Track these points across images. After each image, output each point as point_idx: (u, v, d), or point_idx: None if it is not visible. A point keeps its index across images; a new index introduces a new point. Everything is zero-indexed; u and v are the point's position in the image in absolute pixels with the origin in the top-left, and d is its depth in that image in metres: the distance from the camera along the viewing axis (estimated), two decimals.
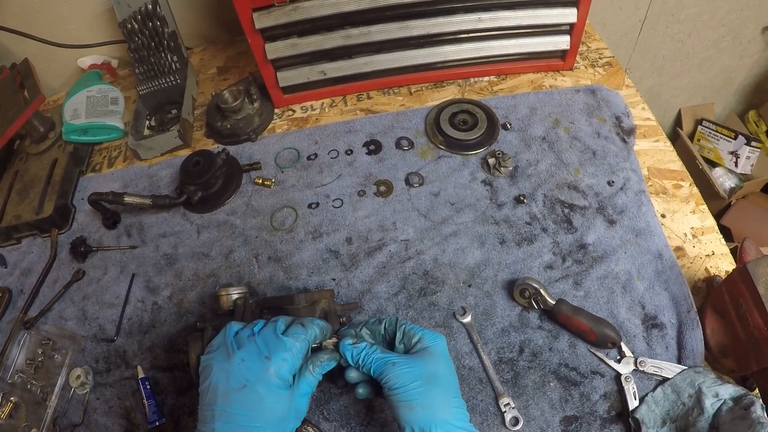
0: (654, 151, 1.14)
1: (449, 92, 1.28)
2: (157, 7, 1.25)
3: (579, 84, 1.26)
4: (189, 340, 0.79)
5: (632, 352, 0.86)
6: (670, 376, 0.82)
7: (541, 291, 0.89)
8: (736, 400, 0.75)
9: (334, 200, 1.11)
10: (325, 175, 1.15)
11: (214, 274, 1.04)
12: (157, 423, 0.88)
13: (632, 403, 0.81)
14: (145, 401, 0.90)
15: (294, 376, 0.68)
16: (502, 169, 1.10)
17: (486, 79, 1.30)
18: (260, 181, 1.15)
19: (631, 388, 0.82)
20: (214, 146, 1.26)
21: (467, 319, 0.93)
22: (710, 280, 0.95)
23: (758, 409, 0.71)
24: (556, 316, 0.89)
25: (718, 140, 2.41)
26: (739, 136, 2.34)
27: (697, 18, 1.99)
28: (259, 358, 0.65)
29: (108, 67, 1.48)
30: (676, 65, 2.22)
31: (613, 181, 1.07)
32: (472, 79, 1.30)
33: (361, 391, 0.73)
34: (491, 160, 1.11)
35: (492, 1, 1.14)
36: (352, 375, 0.72)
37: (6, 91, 1.21)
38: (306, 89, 1.29)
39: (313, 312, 0.82)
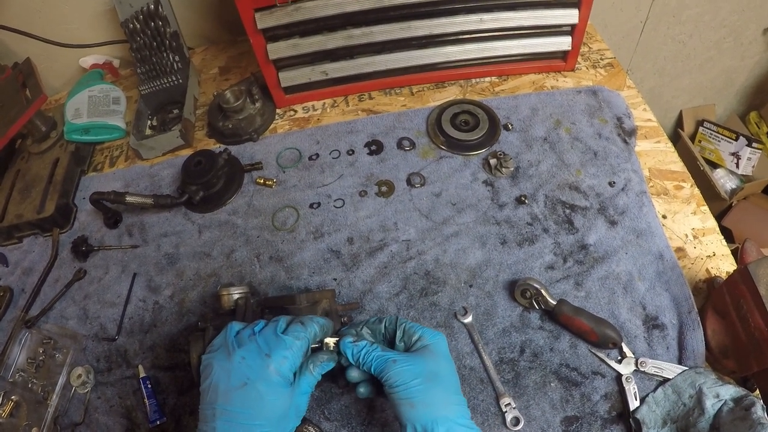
0: (655, 152, 1.14)
1: (451, 93, 1.28)
2: (159, 7, 1.25)
3: (580, 85, 1.26)
4: (190, 339, 0.79)
5: (633, 353, 0.86)
6: (670, 377, 0.82)
7: (542, 291, 0.89)
8: (737, 400, 0.75)
9: (335, 200, 1.11)
10: (327, 175, 1.15)
11: (215, 274, 1.04)
12: (158, 422, 0.88)
13: (633, 404, 0.81)
14: (146, 400, 0.90)
15: (294, 375, 0.69)
16: (503, 169, 1.10)
17: (487, 79, 1.30)
18: (262, 181, 1.15)
19: (631, 389, 0.82)
20: (215, 146, 1.26)
21: (468, 320, 0.93)
22: (711, 281, 0.95)
23: (759, 409, 0.71)
24: (557, 316, 0.89)
25: (719, 141, 2.41)
26: (740, 137, 2.34)
27: (698, 19, 1.99)
28: (260, 356, 0.66)
29: (110, 66, 1.48)
30: (677, 66, 2.22)
31: (614, 182, 1.07)
32: (473, 80, 1.30)
33: (362, 390, 0.73)
34: (493, 161, 1.11)
35: (494, 1, 1.15)
36: (354, 374, 0.72)
37: (8, 91, 1.22)
38: (308, 89, 1.29)
39: (314, 312, 0.82)
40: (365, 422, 0.85)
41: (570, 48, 1.23)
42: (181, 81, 1.33)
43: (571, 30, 1.21)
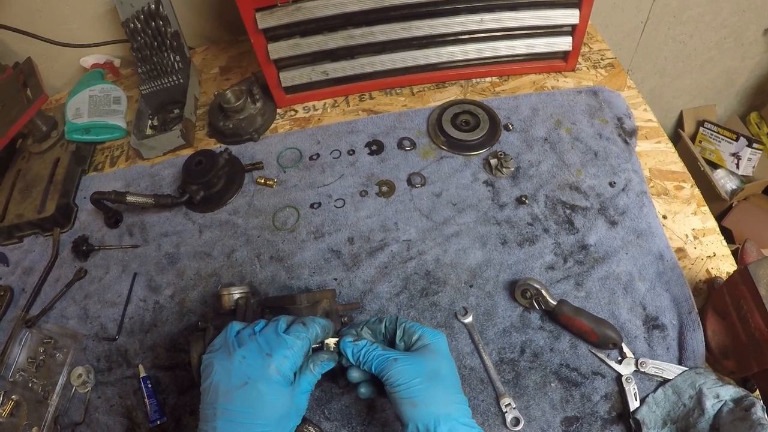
0: (655, 153, 1.14)
1: (451, 93, 1.28)
2: (160, 7, 1.25)
3: (581, 85, 1.26)
4: (191, 339, 0.79)
5: (633, 353, 0.86)
6: (670, 377, 0.82)
7: (543, 292, 0.89)
8: (737, 401, 0.75)
9: (336, 200, 1.11)
10: (327, 175, 1.16)
11: (216, 274, 1.04)
12: (158, 422, 0.88)
13: (633, 404, 0.81)
14: (146, 400, 0.90)
15: (295, 374, 0.69)
16: (503, 169, 1.10)
17: (488, 79, 1.30)
18: (262, 180, 1.15)
19: (631, 389, 0.82)
20: (216, 146, 1.26)
21: (468, 320, 0.93)
22: (711, 282, 0.95)
23: (759, 410, 0.71)
24: (557, 316, 0.89)
25: (719, 142, 2.41)
26: (741, 137, 2.34)
27: (699, 19, 1.99)
28: (261, 355, 0.66)
29: (110, 66, 1.48)
30: (677, 67, 2.22)
31: (614, 182, 1.07)
32: (474, 80, 1.30)
33: (363, 390, 0.73)
34: (493, 161, 1.11)
35: (494, 2, 1.14)
36: (354, 375, 0.72)
37: (9, 90, 1.22)
38: (308, 89, 1.29)
39: (314, 312, 0.82)
40: (365, 422, 0.85)
41: (571, 48, 1.23)
42: (181, 81, 1.33)
43: (572, 30, 1.21)
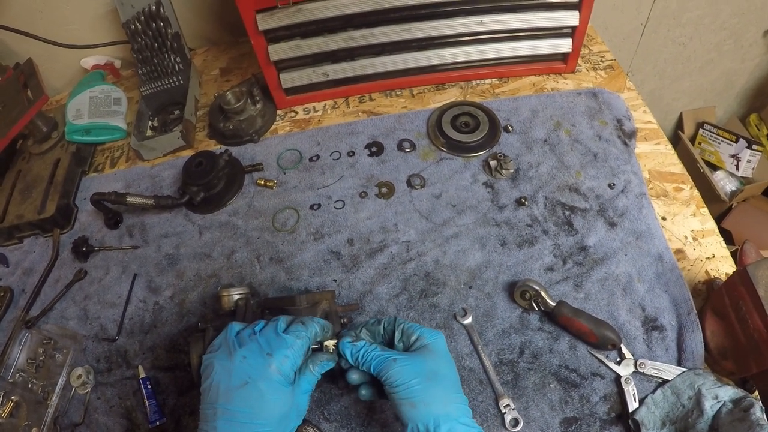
0: (655, 154, 1.14)
1: (451, 94, 1.29)
2: (161, 8, 1.25)
3: (580, 87, 1.27)
4: (190, 340, 0.79)
5: (632, 354, 0.86)
6: (669, 378, 0.82)
7: (542, 293, 0.89)
8: (736, 402, 0.75)
9: (335, 201, 1.11)
10: (327, 176, 1.16)
11: (215, 275, 1.05)
12: (158, 423, 0.88)
13: (632, 405, 0.81)
14: (146, 401, 0.90)
15: (295, 374, 0.69)
16: (503, 171, 1.10)
17: (488, 81, 1.31)
18: (262, 182, 1.16)
19: (630, 390, 0.82)
20: (216, 147, 1.27)
21: (468, 321, 0.93)
22: (710, 283, 0.95)
23: (757, 411, 0.71)
24: (556, 317, 0.89)
25: (719, 143, 2.41)
26: (740, 139, 2.34)
27: (698, 21, 1.99)
28: (261, 355, 0.66)
29: (111, 67, 1.49)
30: (677, 68, 2.22)
31: (614, 184, 1.08)
32: (474, 82, 1.31)
33: (364, 392, 0.73)
34: (493, 163, 1.11)
35: (494, 4, 1.15)
36: (354, 376, 0.72)
37: (9, 91, 1.22)
38: (308, 91, 1.29)
39: (314, 313, 0.82)
40: (365, 423, 0.85)
41: (570, 50, 1.24)
42: (182, 82, 1.33)
43: (572, 32, 1.21)
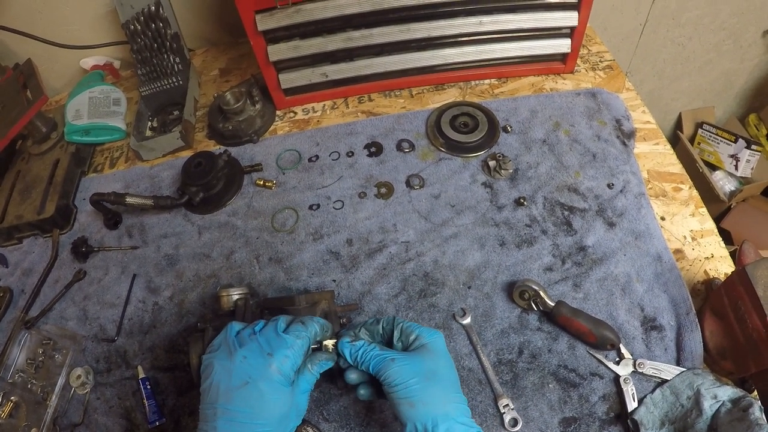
0: (654, 154, 1.15)
1: (450, 95, 1.29)
2: (160, 9, 1.25)
3: (579, 87, 1.27)
4: (190, 340, 0.79)
5: (631, 354, 0.86)
6: (668, 378, 0.83)
7: (541, 293, 0.89)
8: (735, 401, 0.75)
9: (334, 202, 1.11)
10: (326, 176, 1.16)
11: (215, 275, 1.05)
12: (158, 423, 0.88)
13: (631, 405, 0.81)
14: (145, 401, 0.90)
15: (295, 374, 0.69)
16: (502, 171, 1.10)
17: (487, 81, 1.31)
18: (261, 182, 1.16)
19: (629, 390, 0.82)
20: (215, 147, 1.27)
21: (467, 321, 0.93)
22: (709, 283, 0.95)
23: (756, 410, 0.71)
24: (555, 317, 0.89)
25: (718, 143, 2.41)
26: (740, 139, 2.34)
27: (697, 21, 1.99)
28: (261, 355, 0.66)
29: (110, 68, 1.49)
30: (676, 69, 2.22)
31: (612, 184, 1.08)
32: (473, 82, 1.31)
33: (362, 392, 0.73)
34: (492, 163, 1.11)
35: (493, 4, 1.15)
36: (352, 376, 0.72)
37: (9, 92, 1.22)
38: (308, 91, 1.29)
39: (313, 313, 0.82)
40: (364, 423, 0.85)
41: (569, 50, 1.24)
42: (181, 82, 1.33)
43: (571, 32, 1.21)
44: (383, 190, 1.12)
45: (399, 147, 1.18)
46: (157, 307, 1.03)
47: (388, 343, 0.75)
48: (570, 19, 1.17)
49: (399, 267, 1.01)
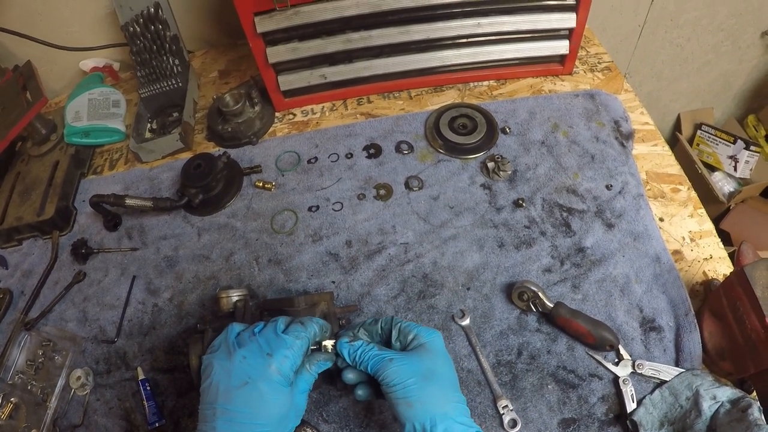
0: (652, 156, 1.15)
1: (449, 96, 1.29)
2: (159, 11, 1.26)
3: (578, 88, 1.27)
4: (189, 341, 0.79)
5: (630, 355, 0.86)
6: (667, 379, 0.83)
7: (540, 294, 0.89)
8: (734, 402, 0.75)
9: (334, 203, 1.11)
10: (326, 178, 1.16)
11: (214, 277, 1.05)
12: (157, 424, 0.88)
13: (630, 406, 0.81)
14: (145, 402, 0.90)
15: (294, 374, 0.69)
16: (501, 173, 1.10)
17: (485, 83, 1.31)
18: (261, 184, 1.16)
19: (628, 391, 0.83)
20: (215, 149, 1.27)
21: (466, 322, 0.93)
22: (708, 284, 0.96)
23: (755, 411, 0.71)
24: (554, 319, 0.89)
25: (717, 145, 2.42)
26: (738, 140, 2.34)
27: (696, 23, 2.00)
28: (261, 355, 0.66)
29: (110, 69, 1.49)
30: (675, 70, 2.22)
31: (611, 185, 1.08)
32: (471, 84, 1.31)
33: (360, 392, 0.73)
34: (490, 164, 1.11)
35: (491, 6, 1.15)
36: (350, 376, 0.72)
37: (9, 93, 1.22)
38: (307, 93, 1.29)
39: (312, 314, 0.82)
40: (363, 424, 0.85)
41: (568, 52, 1.24)
42: (180, 84, 1.33)
43: (569, 34, 1.21)
44: (382, 192, 1.12)
45: (398, 149, 1.18)
46: (156, 308, 1.03)
47: (387, 343, 0.75)
48: (568, 20, 1.17)
49: (398, 268, 1.01)
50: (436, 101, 1.28)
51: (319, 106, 1.32)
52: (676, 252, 1.00)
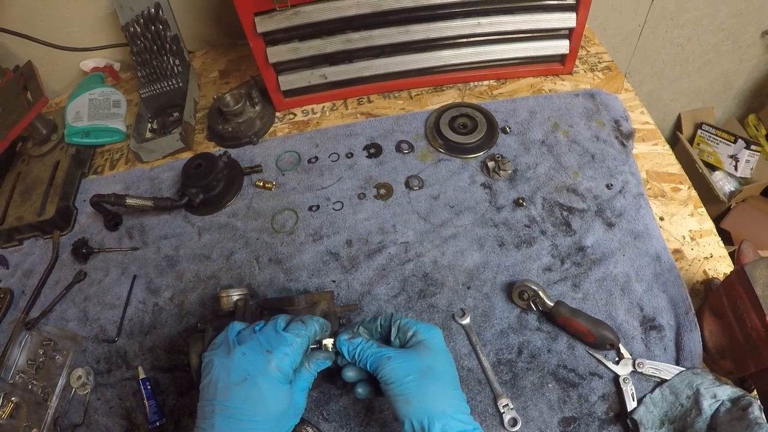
0: (653, 155, 1.15)
1: (449, 96, 1.29)
2: (160, 11, 1.26)
3: (578, 88, 1.27)
4: (189, 341, 0.79)
5: (630, 354, 0.86)
6: (668, 378, 0.83)
7: (540, 293, 0.89)
8: (734, 401, 0.75)
9: (334, 203, 1.12)
10: (326, 178, 1.16)
11: (214, 276, 1.05)
12: (158, 423, 0.89)
13: (630, 405, 0.81)
14: (145, 402, 0.90)
15: (294, 373, 0.69)
16: (501, 172, 1.10)
17: (486, 83, 1.31)
18: (261, 183, 1.16)
19: (629, 390, 0.83)
20: (215, 149, 1.27)
21: (466, 321, 0.93)
22: (708, 283, 0.96)
23: (756, 410, 0.71)
24: (554, 317, 0.89)
25: (717, 144, 2.42)
26: (739, 139, 2.34)
27: (696, 22, 2.00)
28: (261, 352, 0.66)
29: (110, 70, 1.49)
30: (675, 69, 2.22)
31: (611, 185, 1.08)
32: (471, 83, 1.31)
33: (360, 390, 0.73)
34: (491, 164, 1.11)
35: (491, 6, 1.15)
36: (350, 374, 0.72)
37: (9, 94, 1.22)
38: (307, 93, 1.29)
39: (313, 313, 0.82)
40: (363, 423, 0.85)
41: (568, 51, 1.24)
42: (181, 84, 1.33)
43: (569, 33, 1.21)
44: (382, 191, 1.12)
45: (398, 148, 1.18)
46: (157, 307, 1.03)
47: (387, 340, 0.75)
48: (568, 20, 1.17)
49: (398, 268, 1.01)
50: (437, 101, 1.28)
51: (320, 105, 1.32)
52: (677, 251, 1.00)
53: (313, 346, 0.73)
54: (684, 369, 0.83)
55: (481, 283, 0.98)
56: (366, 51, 1.21)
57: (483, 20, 1.16)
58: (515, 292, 0.92)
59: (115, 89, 1.38)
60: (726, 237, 2.23)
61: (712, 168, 2.45)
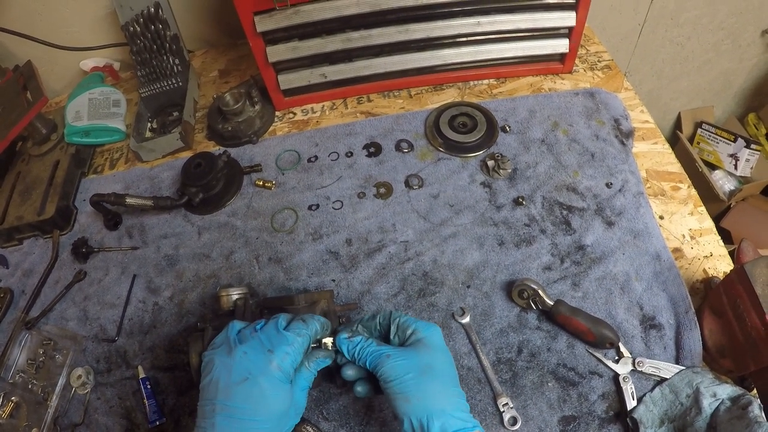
0: (652, 154, 1.15)
1: (449, 95, 1.29)
2: (159, 11, 1.26)
3: (578, 87, 1.27)
4: (189, 340, 0.79)
5: (630, 353, 0.86)
6: (668, 377, 0.83)
7: (540, 292, 0.89)
8: (734, 399, 0.75)
9: (334, 202, 1.12)
10: (326, 177, 1.16)
11: (214, 275, 1.05)
12: (158, 423, 0.88)
13: (630, 403, 0.81)
14: (145, 401, 0.90)
15: (294, 372, 0.69)
16: (501, 171, 1.10)
17: (485, 82, 1.31)
18: (261, 182, 1.16)
19: (629, 389, 0.83)
20: (215, 148, 1.27)
21: (466, 320, 0.93)
22: (708, 281, 0.96)
23: (755, 408, 0.71)
24: (554, 316, 0.89)
25: (717, 143, 2.42)
26: (739, 138, 2.34)
27: (696, 21, 2.00)
28: (262, 351, 0.66)
29: (110, 69, 1.49)
30: (675, 68, 2.22)
31: (611, 183, 1.08)
32: (471, 82, 1.31)
33: (359, 389, 0.73)
34: (490, 163, 1.11)
35: (491, 5, 1.15)
36: (349, 372, 0.72)
37: (9, 93, 1.22)
38: (307, 92, 1.29)
39: (312, 312, 0.82)
40: (363, 422, 0.85)
41: (567, 50, 1.24)
42: (181, 84, 1.33)
43: (569, 32, 1.21)
44: (382, 190, 1.12)
45: (398, 147, 1.18)
46: (157, 307, 1.03)
47: (386, 338, 0.75)
48: (568, 19, 1.17)
49: (398, 266, 1.01)
50: (436, 100, 1.28)
51: (319, 104, 1.32)
52: (677, 250, 1.00)
53: (312, 345, 0.73)
54: (684, 368, 0.83)
55: (480, 282, 0.98)
56: (365, 50, 1.21)
57: (483, 19, 1.16)
58: (515, 290, 0.92)
59: (115, 89, 1.38)
60: (726, 236, 2.23)
61: (712, 167, 2.45)
